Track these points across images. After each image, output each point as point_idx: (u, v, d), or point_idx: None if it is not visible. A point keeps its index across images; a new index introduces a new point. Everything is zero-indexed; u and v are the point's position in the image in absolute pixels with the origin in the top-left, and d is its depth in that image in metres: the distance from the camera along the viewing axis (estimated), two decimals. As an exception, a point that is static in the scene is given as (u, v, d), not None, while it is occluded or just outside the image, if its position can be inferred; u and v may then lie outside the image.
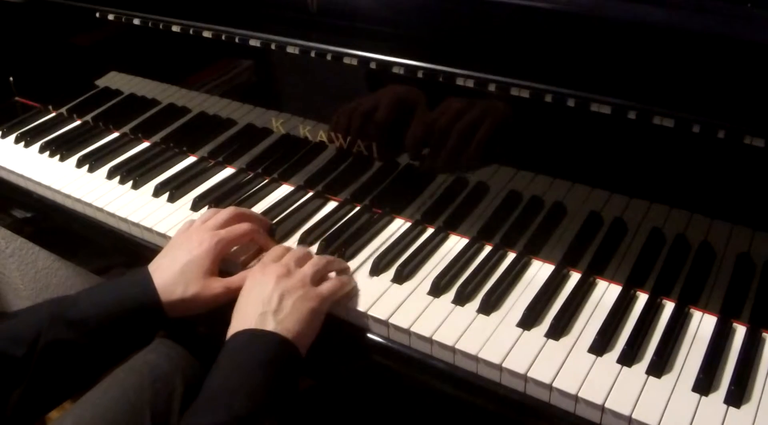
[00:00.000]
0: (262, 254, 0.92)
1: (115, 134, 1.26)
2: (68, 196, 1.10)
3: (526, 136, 0.86)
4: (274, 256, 0.87)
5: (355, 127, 0.96)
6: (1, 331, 0.78)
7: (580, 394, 0.72)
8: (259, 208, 1.05)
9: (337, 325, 0.86)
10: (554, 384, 0.73)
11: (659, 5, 0.72)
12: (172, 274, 0.83)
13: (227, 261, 0.92)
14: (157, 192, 1.08)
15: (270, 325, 0.76)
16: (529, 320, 0.81)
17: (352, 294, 0.86)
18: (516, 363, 0.75)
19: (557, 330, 0.79)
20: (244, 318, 0.78)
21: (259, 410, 0.70)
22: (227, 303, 0.83)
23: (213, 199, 1.06)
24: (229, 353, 0.75)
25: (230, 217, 0.91)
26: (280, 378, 0.73)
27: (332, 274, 0.88)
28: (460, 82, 0.83)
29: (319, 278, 0.84)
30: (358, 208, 1.02)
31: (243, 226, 0.91)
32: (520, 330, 0.80)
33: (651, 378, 0.74)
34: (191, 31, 1.02)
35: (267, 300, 0.78)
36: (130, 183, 1.11)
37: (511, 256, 0.92)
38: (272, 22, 0.97)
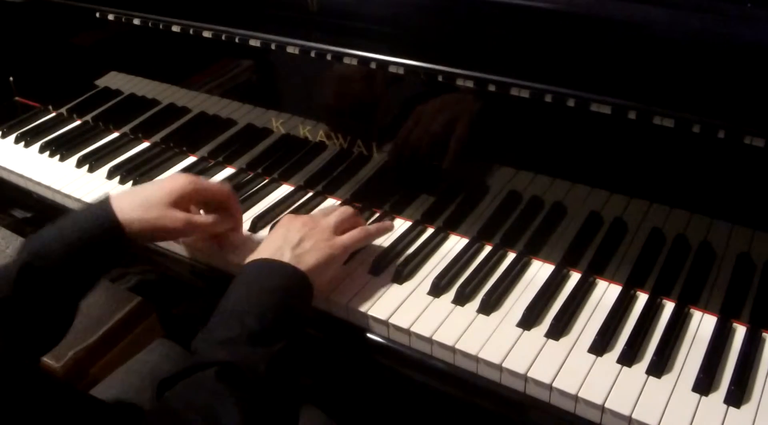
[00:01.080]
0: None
1: (115, 134, 1.26)
2: (68, 196, 1.10)
3: (526, 136, 0.86)
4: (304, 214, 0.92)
5: (356, 126, 0.96)
6: None
7: (580, 394, 0.72)
8: (259, 208, 1.05)
9: (338, 325, 0.86)
10: (554, 384, 0.73)
11: (659, 5, 0.72)
12: (134, 197, 0.85)
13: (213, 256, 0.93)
14: (157, 192, 1.08)
15: (286, 257, 0.79)
16: (529, 320, 0.81)
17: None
18: (516, 363, 0.75)
19: (557, 330, 0.79)
20: (262, 251, 0.81)
21: (270, 330, 0.71)
22: (188, 235, 0.89)
23: (213, 199, 1.06)
24: (243, 278, 0.78)
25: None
26: (291, 304, 0.75)
27: None
28: (460, 82, 0.83)
29: (343, 228, 0.87)
30: (358, 208, 1.02)
31: (222, 186, 0.93)
32: (520, 330, 0.80)
33: (651, 378, 0.74)
34: (191, 31, 1.02)
35: (288, 239, 0.82)
36: (130, 183, 1.11)
37: (511, 256, 0.92)
38: (272, 22, 0.97)
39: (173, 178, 0.89)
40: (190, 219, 0.86)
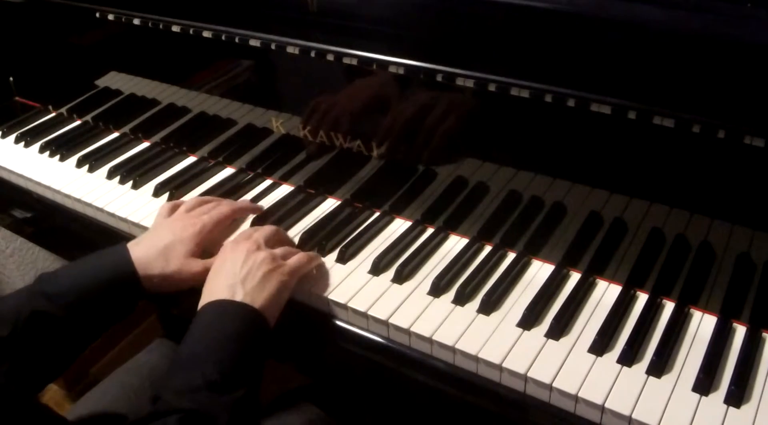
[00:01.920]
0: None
1: (115, 134, 1.26)
2: (68, 196, 1.10)
3: (526, 136, 0.86)
4: (245, 235, 0.89)
5: (352, 124, 0.96)
6: None
7: (580, 394, 0.72)
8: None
9: (337, 325, 0.86)
10: (554, 384, 0.73)
11: (659, 5, 0.72)
12: (154, 250, 0.85)
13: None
14: (157, 192, 1.08)
15: (239, 295, 0.78)
16: (529, 320, 0.81)
17: (320, 275, 0.89)
18: (516, 363, 0.75)
19: (557, 330, 0.79)
20: (214, 289, 0.80)
21: (231, 377, 0.71)
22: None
23: (213, 198, 1.06)
24: (200, 323, 0.77)
25: (211, 205, 0.96)
26: (250, 347, 0.75)
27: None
28: (459, 82, 0.83)
29: (287, 255, 0.86)
30: (358, 208, 1.02)
31: (224, 208, 0.95)
32: (520, 330, 0.80)
33: (651, 378, 0.74)
34: (191, 31, 1.02)
35: (237, 273, 0.80)
36: (130, 183, 1.11)
37: (511, 256, 0.92)
38: (272, 22, 0.97)
39: (184, 225, 0.90)
40: (207, 267, 0.86)
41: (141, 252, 0.85)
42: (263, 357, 0.77)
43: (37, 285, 0.81)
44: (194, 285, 0.87)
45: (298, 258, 0.86)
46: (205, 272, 0.86)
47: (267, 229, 0.91)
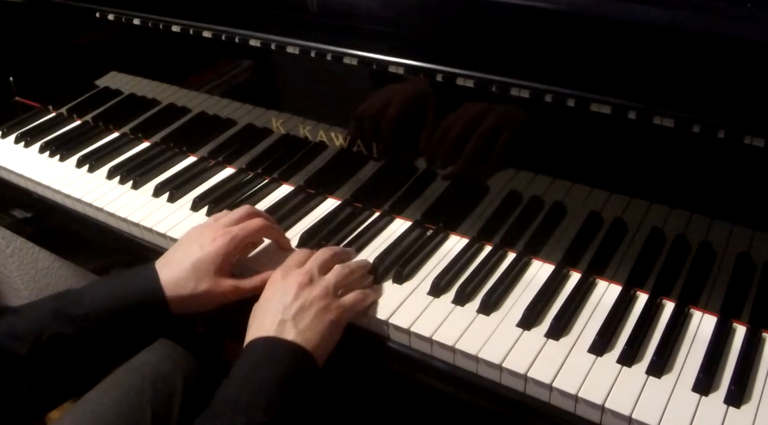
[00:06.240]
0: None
1: (115, 134, 1.26)
2: (68, 196, 1.10)
3: (526, 136, 0.86)
4: (296, 261, 0.85)
5: (361, 127, 0.96)
6: (4, 328, 0.77)
7: (580, 394, 0.72)
8: (258, 208, 1.04)
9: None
10: (554, 384, 0.73)
11: (659, 5, 0.72)
12: (182, 270, 0.81)
13: (242, 266, 0.91)
14: (157, 192, 1.08)
15: (290, 334, 0.74)
16: (529, 320, 0.81)
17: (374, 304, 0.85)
18: (516, 363, 0.75)
19: (557, 330, 0.79)
20: (262, 324, 0.76)
21: (277, 423, 0.69)
22: (234, 302, 0.83)
23: (213, 199, 1.06)
24: (246, 362, 0.74)
25: (244, 215, 0.90)
26: (298, 391, 0.73)
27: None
28: (459, 82, 0.83)
29: (342, 287, 0.82)
30: (358, 208, 1.02)
31: (256, 222, 0.89)
32: (520, 330, 0.80)
33: (651, 378, 0.74)
34: (191, 31, 1.02)
35: (287, 309, 0.76)
36: (130, 183, 1.11)
37: (511, 256, 0.92)
38: (272, 22, 0.97)
39: (213, 236, 0.84)
40: (238, 286, 0.83)
41: (170, 274, 0.81)
42: (309, 401, 0.74)
43: (61, 304, 0.78)
44: (223, 304, 0.84)
45: (354, 295, 0.81)
46: (236, 292, 0.83)
47: (322, 255, 0.85)
